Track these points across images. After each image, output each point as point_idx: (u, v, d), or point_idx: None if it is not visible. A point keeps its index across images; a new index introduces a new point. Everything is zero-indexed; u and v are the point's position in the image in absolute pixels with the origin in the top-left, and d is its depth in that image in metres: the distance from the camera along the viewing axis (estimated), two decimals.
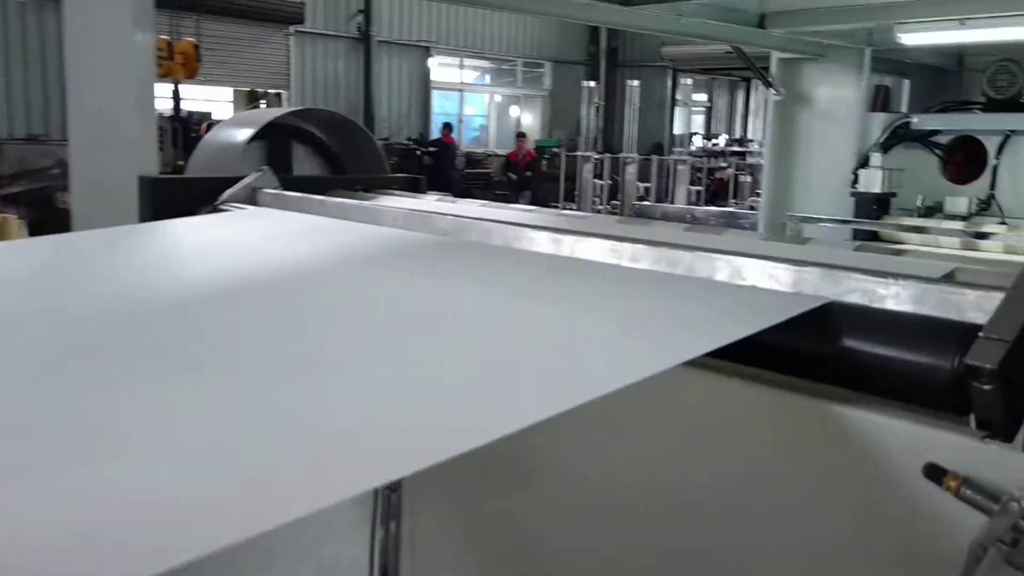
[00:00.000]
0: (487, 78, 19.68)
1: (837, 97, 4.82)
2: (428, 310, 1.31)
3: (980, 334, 1.08)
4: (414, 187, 2.92)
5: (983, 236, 4.01)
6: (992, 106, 4.70)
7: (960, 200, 4.39)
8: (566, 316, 1.26)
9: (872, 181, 4.47)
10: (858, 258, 1.62)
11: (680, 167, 11.11)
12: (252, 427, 0.87)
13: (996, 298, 1.15)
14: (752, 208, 7.35)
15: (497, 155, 20.18)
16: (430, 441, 0.83)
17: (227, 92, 14.35)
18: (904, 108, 5.52)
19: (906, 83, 5.50)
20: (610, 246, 1.61)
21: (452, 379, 1.01)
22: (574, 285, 1.47)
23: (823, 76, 4.90)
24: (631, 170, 11.33)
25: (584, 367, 1.06)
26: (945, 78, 5.71)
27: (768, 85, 4.80)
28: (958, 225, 4.18)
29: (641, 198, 11.26)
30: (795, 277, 1.36)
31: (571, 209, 13.40)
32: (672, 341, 1.15)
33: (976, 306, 1.18)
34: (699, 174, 13.03)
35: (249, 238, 2.04)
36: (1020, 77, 4.56)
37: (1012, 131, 4.41)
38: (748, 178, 12.12)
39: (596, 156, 11.80)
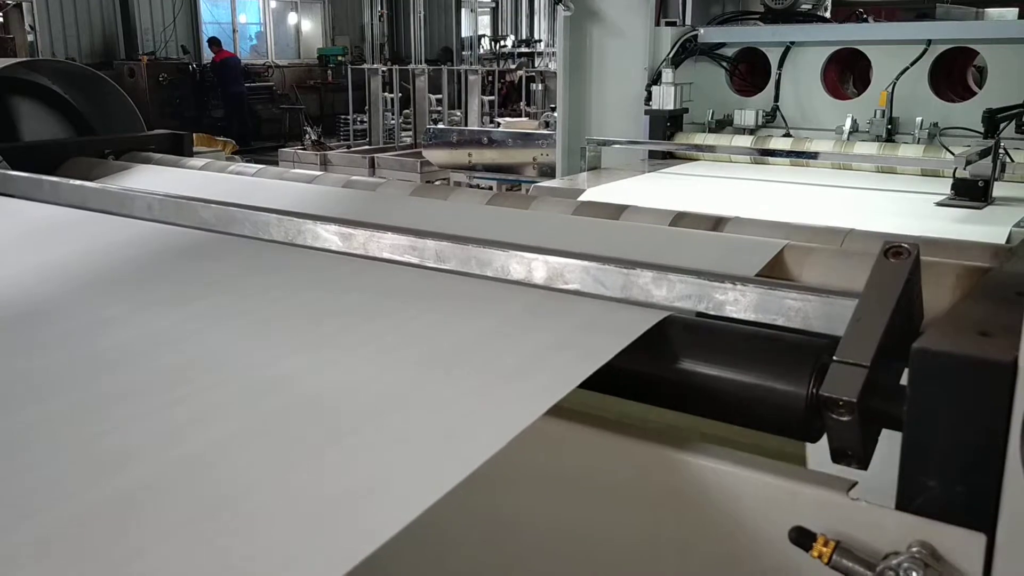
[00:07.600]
0: None
1: (626, 11, 4.70)
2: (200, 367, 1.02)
3: (834, 358, 0.96)
4: (177, 144, 2.52)
5: (770, 153, 4.07)
6: (771, 16, 4.76)
7: (748, 113, 4.44)
8: (392, 368, 1.01)
9: (665, 98, 4.43)
10: (679, 238, 1.48)
11: (472, 77, 10.83)
12: None
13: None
14: (547, 124, 7.24)
15: (278, 66, 19.06)
16: None
17: None
18: (688, 19, 5.51)
19: None
20: (409, 242, 1.38)
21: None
22: (380, 305, 1.22)
23: None
24: (421, 82, 10.93)
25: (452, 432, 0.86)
26: None
27: (557, 0, 4.61)
28: (747, 141, 4.22)
29: (434, 112, 10.92)
30: (624, 281, 1.20)
31: (362, 121, 12.82)
32: (530, 382, 0.96)
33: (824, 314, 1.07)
34: (490, 78, 12.81)
35: None
36: None
37: (792, 42, 4.47)
38: (540, 86, 12.05)
39: (384, 69, 11.28)
